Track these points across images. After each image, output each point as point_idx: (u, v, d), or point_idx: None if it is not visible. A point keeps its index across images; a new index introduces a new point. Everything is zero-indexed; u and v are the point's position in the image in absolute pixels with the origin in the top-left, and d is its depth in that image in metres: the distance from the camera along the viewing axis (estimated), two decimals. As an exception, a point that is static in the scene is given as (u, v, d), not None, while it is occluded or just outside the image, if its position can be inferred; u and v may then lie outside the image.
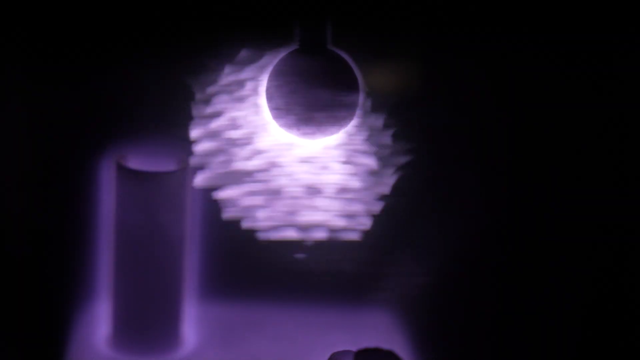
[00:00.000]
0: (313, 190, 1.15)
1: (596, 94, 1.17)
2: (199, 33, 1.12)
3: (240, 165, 1.14)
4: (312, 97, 1.08)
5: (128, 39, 1.12)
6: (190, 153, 1.13)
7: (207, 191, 1.15)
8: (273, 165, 1.14)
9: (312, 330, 1.22)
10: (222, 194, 1.14)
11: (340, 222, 1.16)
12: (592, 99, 1.17)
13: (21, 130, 1.14)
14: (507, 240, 1.22)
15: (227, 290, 1.22)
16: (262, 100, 1.11)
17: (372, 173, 1.15)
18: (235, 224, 1.16)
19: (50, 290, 1.18)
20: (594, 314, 1.23)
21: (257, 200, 1.14)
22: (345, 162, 1.14)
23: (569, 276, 1.22)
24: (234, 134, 1.13)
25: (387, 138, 1.15)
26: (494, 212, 1.21)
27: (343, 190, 1.15)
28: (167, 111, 1.14)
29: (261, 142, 1.13)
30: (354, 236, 1.17)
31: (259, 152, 1.13)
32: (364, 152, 1.15)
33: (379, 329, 1.22)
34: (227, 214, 1.14)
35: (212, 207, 1.15)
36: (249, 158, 1.14)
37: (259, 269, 1.20)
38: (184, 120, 1.13)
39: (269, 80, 1.10)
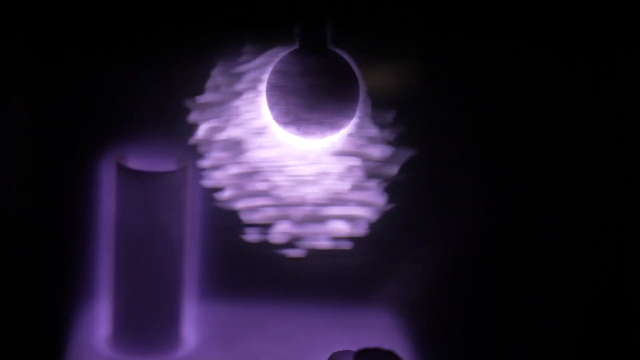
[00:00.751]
0: (313, 190, 1.15)
1: (596, 94, 1.17)
2: (199, 33, 1.12)
3: (240, 165, 1.14)
4: (312, 97, 1.08)
5: (128, 39, 1.12)
6: (190, 153, 1.13)
7: (207, 191, 1.15)
8: (273, 165, 1.14)
9: (312, 330, 1.22)
10: (222, 194, 1.14)
11: (340, 222, 1.16)
12: (592, 99, 1.17)
13: (21, 130, 1.14)
14: (507, 240, 1.22)
15: (227, 290, 1.22)
16: (262, 100, 1.11)
17: (372, 173, 1.15)
18: (235, 224, 1.16)
19: (50, 290, 1.18)
20: (594, 314, 1.23)
21: (257, 200, 1.14)
22: (345, 162, 1.14)
23: (569, 276, 1.22)
24: (234, 133, 1.13)
25: (387, 138, 1.15)
26: (494, 212, 1.21)
27: (343, 190, 1.15)
28: (167, 111, 1.14)
29: (261, 142, 1.13)
30: (354, 236, 1.17)
31: (259, 152, 1.13)
32: (364, 152, 1.15)
33: (379, 329, 1.22)
34: (227, 213, 1.14)
35: (212, 207, 1.15)
36: (249, 158, 1.14)
37: (259, 269, 1.20)
38: (184, 120, 1.13)
39: (269, 80, 1.10)
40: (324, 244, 1.17)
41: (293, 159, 1.13)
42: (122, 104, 1.14)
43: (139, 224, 1.12)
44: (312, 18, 1.10)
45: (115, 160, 1.13)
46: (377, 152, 1.15)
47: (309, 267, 1.18)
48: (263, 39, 1.11)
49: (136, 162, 1.13)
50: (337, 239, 1.17)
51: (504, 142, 1.19)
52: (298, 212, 1.15)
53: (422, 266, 1.22)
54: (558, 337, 1.24)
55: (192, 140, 1.13)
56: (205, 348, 1.19)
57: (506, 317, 1.23)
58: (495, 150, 1.19)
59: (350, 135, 1.13)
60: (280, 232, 1.16)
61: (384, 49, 1.15)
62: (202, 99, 1.13)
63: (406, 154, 1.16)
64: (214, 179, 1.14)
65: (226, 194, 1.14)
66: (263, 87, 1.11)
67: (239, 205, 1.15)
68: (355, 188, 1.15)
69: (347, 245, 1.17)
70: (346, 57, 1.11)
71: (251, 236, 1.16)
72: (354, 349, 0.96)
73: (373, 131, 1.14)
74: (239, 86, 1.13)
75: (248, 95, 1.13)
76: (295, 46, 1.10)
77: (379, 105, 1.14)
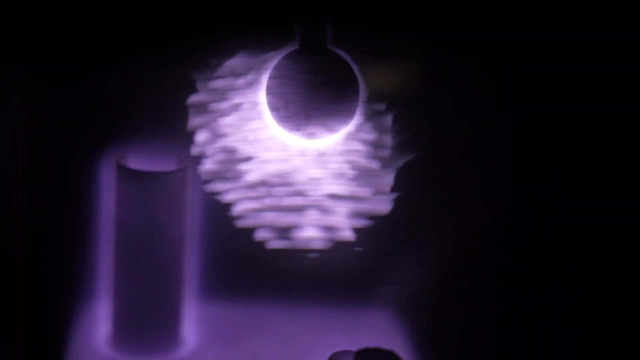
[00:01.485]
0: (313, 191, 1.15)
1: (596, 94, 1.17)
2: (199, 33, 1.12)
3: (240, 165, 1.14)
4: (312, 97, 1.08)
5: (128, 39, 1.12)
6: (190, 153, 1.13)
7: (207, 191, 1.15)
8: (273, 165, 1.14)
9: (312, 330, 1.22)
10: (223, 195, 1.14)
11: (340, 222, 1.16)
12: (592, 99, 1.17)
13: (21, 130, 1.14)
14: (507, 240, 1.22)
15: (227, 290, 1.22)
16: (262, 100, 1.11)
17: (372, 173, 1.15)
18: (235, 224, 1.16)
19: (50, 290, 1.18)
20: (594, 314, 1.23)
21: (257, 200, 1.14)
22: (345, 162, 1.14)
23: (569, 276, 1.22)
24: (233, 133, 1.13)
25: (387, 138, 1.15)
26: (494, 212, 1.21)
27: (342, 190, 1.15)
28: (167, 111, 1.14)
29: (261, 142, 1.13)
30: (353, 236, 1.17)
31: (259, 153, 1.13)
32: (364, 152, 1.15)
33: (379, 329, 1.22)
34: (228, 214, 1.14)
35: (212, 207, 1.15)
36: (249, 158, 1.14)
37: (259, 269, 1.20)
38: (184, 120, 1.13)
39: (269, 80, 1.10)
40: (324, 243, 1.17)
41: (293, 159, 1.13)
42: (122, 104, 1.14)
43: (139, 224, 1.12)
44: (312, 18, 1.10)
45: (115, 160, 1.13)
46: (377, 152, 1.15)
47: (309, 267, 1.18)
48: (263, 39, 1.11)
49: (136, 162, 1.13)
50: (337, 239, 1.17)
51: (504, 142, 1.19)
52: (298, 212, 1.15)
53: (422, 266, 1.22)
54: (558, 337, 1.24)
55: (192, 141, 1.13)
56: (205, 348, 1.19)
57: (506, 317, 1.23)
58: (495, 150, 1.19)
59: (350, 135, 1.13)
60: (280, 232, 1.16)
61: (384, 49, 1.15)
62: (202, 99, 1.13)
63: (406, 154, 1.15)
64: (214, 180, 1.14)
65: (227, 196, 1.14)
66: (263, 87, 1.11)
67: (239, 205, 1.15)
68: (355, 187, 1.15)
69: (347, 245, 1.17)
70: (346, 57, 1.11)
71: (251, 236, 1.16)
72: (354, 349, 0.96)
73: (373, 131, 1.14)
74: (239, 86, 1.13)
75: (248, 96, 1.13)
76: (295, 46, 1.10)
77: (378, 105, 1.14)
